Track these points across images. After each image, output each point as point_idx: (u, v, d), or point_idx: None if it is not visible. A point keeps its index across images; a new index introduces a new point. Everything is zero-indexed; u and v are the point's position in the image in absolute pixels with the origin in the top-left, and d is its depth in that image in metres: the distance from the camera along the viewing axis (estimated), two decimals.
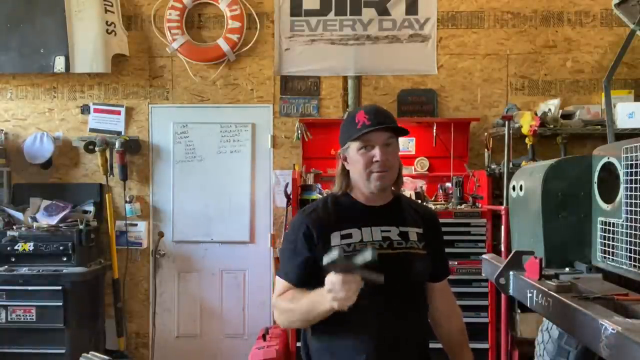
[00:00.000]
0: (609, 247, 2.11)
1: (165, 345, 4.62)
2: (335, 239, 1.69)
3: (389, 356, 1.66)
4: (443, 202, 3.98)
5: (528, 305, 2.04)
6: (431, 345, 1.83)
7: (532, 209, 2.45)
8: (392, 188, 1.79)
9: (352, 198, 1.78)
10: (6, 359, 3.96)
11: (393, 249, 1.70)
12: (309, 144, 4.35)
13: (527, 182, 2.58)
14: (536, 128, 3.86)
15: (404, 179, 4.10)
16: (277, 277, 1.75)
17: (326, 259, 1.49)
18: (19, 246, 4.01)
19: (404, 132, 1.74)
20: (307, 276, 1.67)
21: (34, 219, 4.22)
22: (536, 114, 3.98)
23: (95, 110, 4.62)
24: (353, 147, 1.71)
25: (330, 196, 1.82)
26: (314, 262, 1.65)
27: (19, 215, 4.30)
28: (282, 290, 1.72)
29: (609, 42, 4.39)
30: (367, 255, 1.47)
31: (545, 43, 4.44)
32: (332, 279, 1.47)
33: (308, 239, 1.70)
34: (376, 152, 1.67)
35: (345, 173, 1.77)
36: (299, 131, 4.32)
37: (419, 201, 3.88)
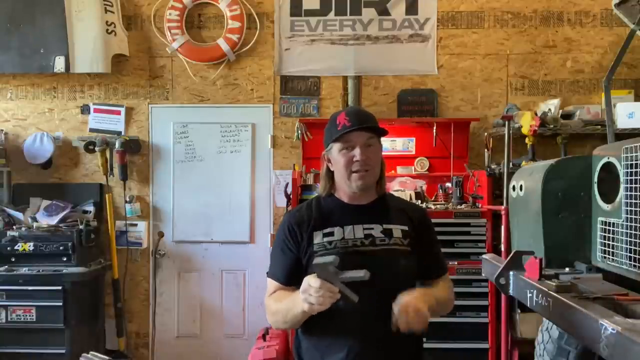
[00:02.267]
0: (609, 247, 2.11)
1: (165, 345, 4.62)
2: (317, 237, 1.73)
3: (372, 353, 1.67)
4: (443, 202, 3.98)
5: (528, 305, 2.04)
6: (426, 345, 1.83)
7: (532, 209, 2.45)
8: (377, 188, 1.82)
9: (336, 198, 1.82)
10: (6, 359, 3.96)
11: (375, 245, 1.72)
12: (309, 144, 4.35)
13: (527, 182, 2.58)
14: (536, 128, 3.85)
15: (404, 179, 4.16)
16: (268, 279, 1.79)
17: (318, 259, 1.51)
18: (19, 246, 4.01)
19: (384, 132, 1.77)
20: (295, 274, 1.71)
21: (34, 219, 4.22)
22: (536, 114, 3.98)
23: (95, 110, 4.62)
24: (335, 148, 1.75)
25: (315, 198, 1.87)
26: (300, 261, 1.72)
27: (19, 215, 4.30)
28: (272, 291, 1.76)
29: (609, 42, 4.39)
30: (360, 275, 1.49)
31: (545, 43, 4.44)
32: (310, 281, 1.51)
33: (293, 237, 1.75)
34: (356, 152, 1.71)
35: (330, 175, 1.82)
36: (299, 131, 4.32)
37: (419, 201, 3.89)
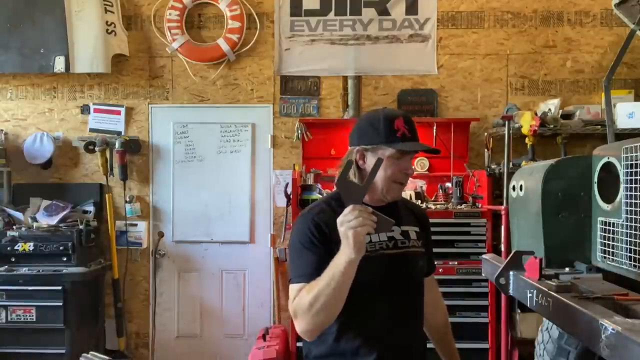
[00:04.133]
0: (609, 247, 2.11)
1: (165, 345, 4.62)
2: None
3: (398, 354, 1.66)
4: (443, 202, 3.98)
5: (528, 305, 2.04)
6: (427, 345, 1.84)
7: (532, 209, 2.45)
8: None
9: None
10: (6, 359, 3.96)
11: (398, 248, 1.71)
12: (309, 144, 4.35)
13: (527, 182, 2.58)
14: (536, 128, 3.85)
15: None
16: (291, 285, 1.60)
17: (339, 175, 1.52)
18: (19, 246, 4.01)
19: (435, 152, 1.83)
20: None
21: (34, 219, 4.22)
22: (536, 114, 3.98)
23: (95, 110, 4.62)
24: (386, 152, 1.63)
25: (328, 199, 1.75)
26: (329, 259, 1.53)
27: (19, 215, 4.30)
28: (297, 292, 1.56)
29: (609, 42, 4.39)
30: (390, 220, 1.50)
31: (545, 43, 4.44)
32: (344, 211, 1.44)
33: (322, 234, 1.61)
34: (408, 166, 1.68)
35: (359, 171, 1.69)
36: (299, 131, 4.32)
37: (419, 201, 3.89)
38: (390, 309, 1.66)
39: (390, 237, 1.71)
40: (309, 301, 1.49)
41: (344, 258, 1.43)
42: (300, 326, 1.54)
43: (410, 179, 4.46)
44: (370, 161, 1.65)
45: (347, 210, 1.43)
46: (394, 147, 1.63)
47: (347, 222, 1.41)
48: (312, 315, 1.49)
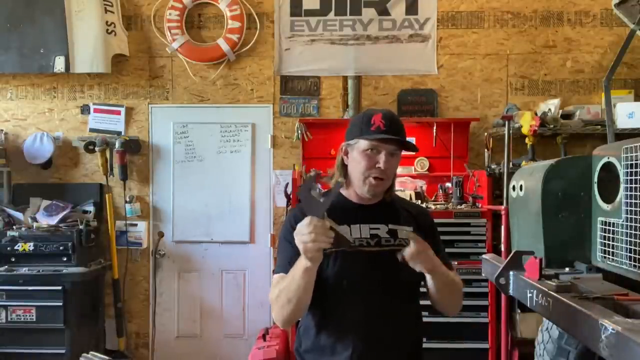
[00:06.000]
0: (609, 247, 2.11)
1: (165, 345, 4.62)
2: None
3: (376, 353, 1.67)
4: (443, 202, 3.98)
5: (528, 305, 2.04)
6: (426, 345, 1.83)
7: (532, 209, 2.45)
8: (385, 193, 1.80)
9: (343, 196, 1.80)
10: (6, 359, 3.96)
11: (381, 246, 1.72)
12: (309, 144, 4.35)
13: (527, 182, 2.58)
14: (536, 128, 3.86)
15: (404, 179, 4.17)
16: (274, 276, 1.72)
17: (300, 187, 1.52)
18: (19, 246, 4.00)
19: (414, 150, 1.78)
20: None
21: (34, 219, 4.22)
22: (536, 114, 3.98)
23: (95, 110, 4.62)
24: (360, 145, 1.71)
25: (325, 195, 1.81)
26: None
27: (19, 215, 4.30)
28: (276, 283, 1.68)
29: (609, 42, 4.39)
30: (348, 237, 1.54)
31: (545, 43, 4.44)
32: (302, 221, 1.48)
33: None
34: (381, 159, 1.68)
35: (344, 167, 1.78)
36: (299, 131, 4.32)
37: (419, 201, 3.89)
38: (367, 307, 1.67)
39: (373, 234, 1.73)
40: (275, 294, 1.62)
41: (301, 265, 1.51)
42: (273, 315, 1.67)
43: (410, 178, 4.43)
44: (351, 157, 1.74)
45: (304, 221, 1.47)
46: (363, 138, 1.69)
47: (301, 234, 1.46)
48: (279, 307, 1.61)
